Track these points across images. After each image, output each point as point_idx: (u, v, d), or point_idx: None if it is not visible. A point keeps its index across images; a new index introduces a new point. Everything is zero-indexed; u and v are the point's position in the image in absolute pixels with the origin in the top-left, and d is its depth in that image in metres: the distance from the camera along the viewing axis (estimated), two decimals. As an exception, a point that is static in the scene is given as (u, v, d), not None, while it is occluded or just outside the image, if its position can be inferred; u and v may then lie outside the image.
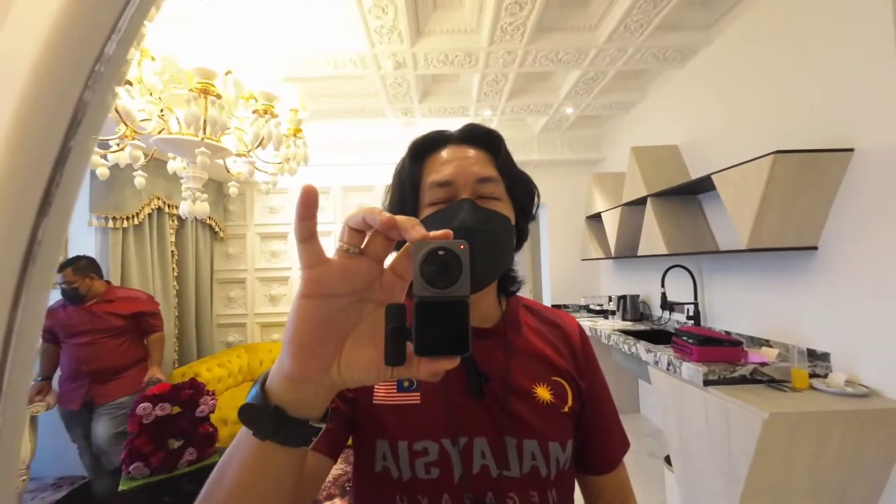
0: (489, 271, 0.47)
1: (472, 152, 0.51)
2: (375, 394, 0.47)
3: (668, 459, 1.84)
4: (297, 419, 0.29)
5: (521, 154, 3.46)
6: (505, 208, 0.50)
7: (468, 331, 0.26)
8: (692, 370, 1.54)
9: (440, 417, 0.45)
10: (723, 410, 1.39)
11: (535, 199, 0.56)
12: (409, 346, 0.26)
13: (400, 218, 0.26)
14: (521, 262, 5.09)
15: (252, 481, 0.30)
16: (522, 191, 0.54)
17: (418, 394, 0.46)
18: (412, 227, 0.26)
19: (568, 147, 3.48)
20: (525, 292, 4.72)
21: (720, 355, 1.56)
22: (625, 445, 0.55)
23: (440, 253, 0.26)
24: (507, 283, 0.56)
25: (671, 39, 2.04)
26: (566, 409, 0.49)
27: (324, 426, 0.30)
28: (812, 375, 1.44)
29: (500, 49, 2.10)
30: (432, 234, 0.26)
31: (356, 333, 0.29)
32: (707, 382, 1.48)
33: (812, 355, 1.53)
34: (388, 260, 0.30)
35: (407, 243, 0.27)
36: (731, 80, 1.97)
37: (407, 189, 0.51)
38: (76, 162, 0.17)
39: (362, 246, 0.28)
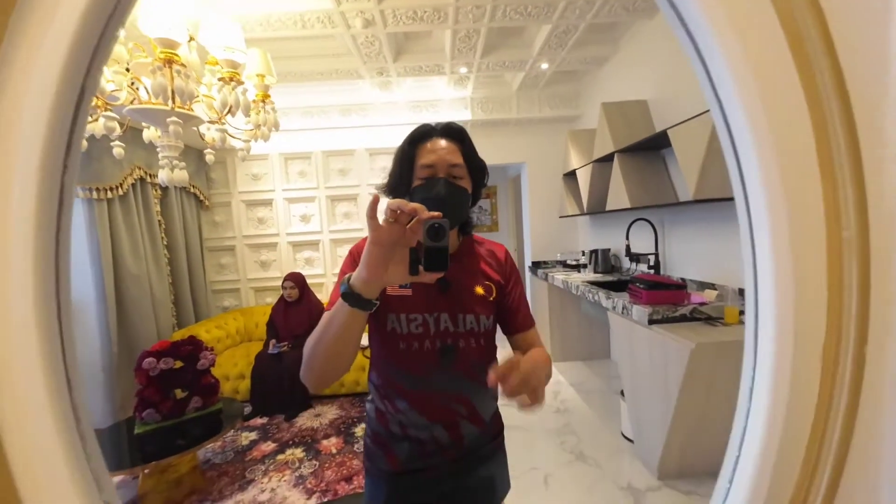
0: (452, 222, 0.74)
1: (447, 144, 0.75)
2: (387, 290, 0.75)
3: (622, 393, 2.08)
4: (368, 299, 0.58)
5: (501, 113, 3.46)
6: (466, 183, 0.76)
7: (447, 260, 0.55)
8: (640, 312, 1.72)
9: (423, 302, 0.76)
10: (661, 344, 1.58)
11: (486, 175, 0.83)
12: (420, 268, 0.55)
13: (416, 205, 0.54)
14: (506, 221, 5.22)
15: (344, 331, 0.61)
16: (477, 170, 0.80)
17: (410, 290, 0.77)
18: (422, 211, 0.54)
19: (546, 104, 3.48)
20: (509, 248, 4.88)
21: (666, 298, 1.73)
22: (528, 322, 0.84)
23: (436, 225, 0.53)
24: (465, 226, 0.84)
25: (639, -10, 2.03)
26: (491, 299, 0.81)
27: (378, 303, 0.60)
28: (742, 312, 1.63)
29: (468, 3, 2.08)
30: (433, 213, 0.54)
31: (395, 259, 0.57)
32: (651, 321, 1.66)
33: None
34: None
35: (417, 217, 0.55)
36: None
37: (405, 167, 0.77)
38: (84, 110, 0.29)
39: (396, 217, 0.55)
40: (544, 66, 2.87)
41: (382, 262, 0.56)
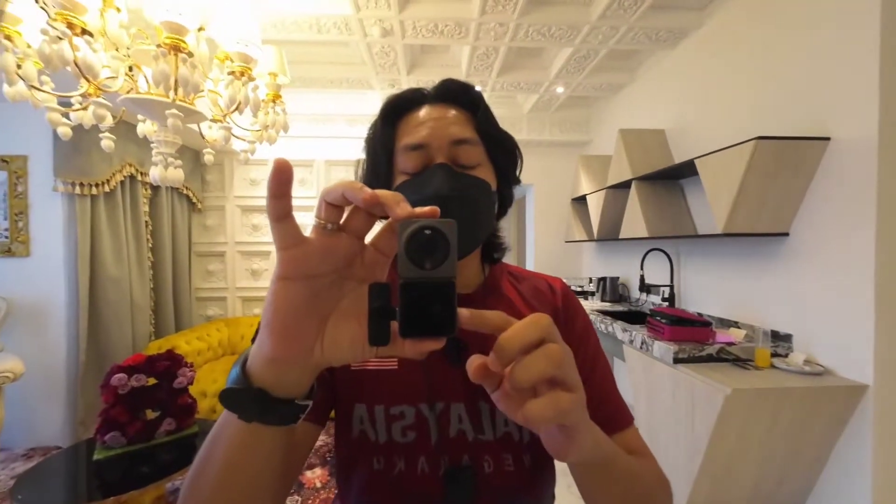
0: (467, 242, 0.46)
1: (447, 112, 0.47)
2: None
3: (636, 432, 1.94)
4: (282, 399, 0.28)
5: (510, 133, 3.41)
6: (485, 173, 0.47)
7: (455, 312, 0.25)
8: (663, 348, 1.60)
9: (417, 383, 0.45)
10: (689, 386, 1.46)
11: (518, 161, 0.53)
12: (394, 324, 0.26)
13: (383, 193, 0.25)
14: (508, 243, 5.13)
15: (240, 461, 0.30)
16: (504, 153, 0.51)
17: (395, 359, 0.46)
18: (397, 204, 0.25)
19: (557, 128, 3.45)
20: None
21: (690, 335, 1.62)
22: (620, 417, 0.48)
23: (426, 232, 0.25)
24: (492, 250, 0.54)
25: (664, 19, 2.01)
26: None
27: (310, 403, 0.30)
28: (774, 355, 1.52)
29: (491, 20, 2.04)
30: (418, 210, 0.25)
31: (339, 312, 0.28)
32: (677, 360, 1.54)
33: (776, 336, 1.61)
34: (371, 235, 0.29)
35: (388, 218, 0.26)
36: (719, 65, 1.96)
37: (380, 155, 0.48)
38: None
39: (341, 222, 0.27)
40: (560, 89, 2.85)
41: (307, 318, 0.27)
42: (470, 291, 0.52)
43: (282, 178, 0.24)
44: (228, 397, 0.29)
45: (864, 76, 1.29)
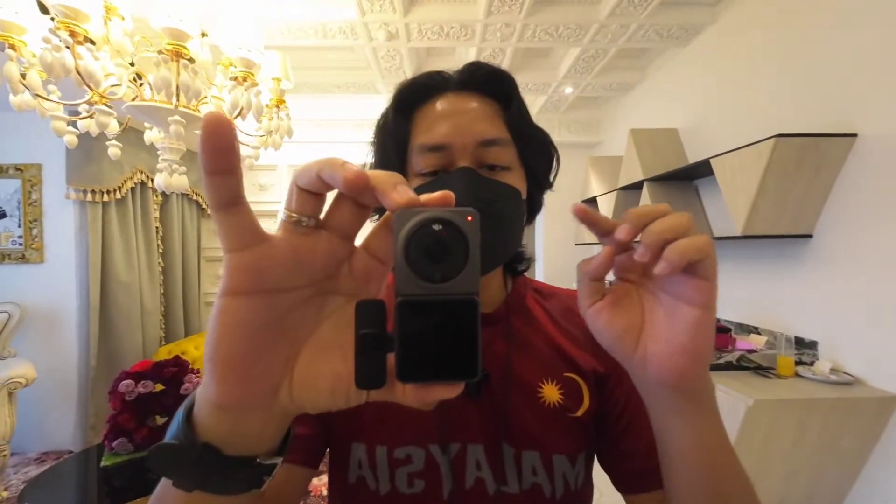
0: (493, 259, 0.40)
1: (474, 104, 0.40)
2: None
3: (651, 442, 1.87)
4: (238, 458, 0.21)
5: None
6: (515, 178, 0.40)
7: (477, 344, 0.18)
8: (679, 356, 1.53)
9: (428, 419, 0.38)
10: (707, 396, 1.39)
11: (554, 164, 0.46)
12: (389, 363, 0.19)
13: (374, 173, 0.18)
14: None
15: None
16: (539, 154, 0.44)
17: None
18: (393, 188, 0.18)
19: (566, 129, 3.40)
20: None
21: (708, 342, 1.55)
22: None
23: (436, 227, 0.18)
24: (515, 262, 0.47)
25: (675, 16, 1.95)
26: (580, 413, 0.40)
27: (278, 461, 0.23)
28: (798, 363, 1.45)
29: (497, 21, 2.01)
30: (423, 197, 0.19)
31: (316, 340, 0.20)
32: (693, 369, 1.47)
33: (800, 343, 1.53)
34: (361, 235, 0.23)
35: (388, 211, 0.19)
36: (734, 61, 1.90)
37: (390, 152, 0.41)
38: None
39: (321, 216, 0.20)
40: (568, 90, 2.80)
41: (268, 350, 0.19)
42: (491, 310, 0.44)
43: (219, 142, 0.16)
44: (159, 456, 0.20)
45: (893, 69, 1.21)
